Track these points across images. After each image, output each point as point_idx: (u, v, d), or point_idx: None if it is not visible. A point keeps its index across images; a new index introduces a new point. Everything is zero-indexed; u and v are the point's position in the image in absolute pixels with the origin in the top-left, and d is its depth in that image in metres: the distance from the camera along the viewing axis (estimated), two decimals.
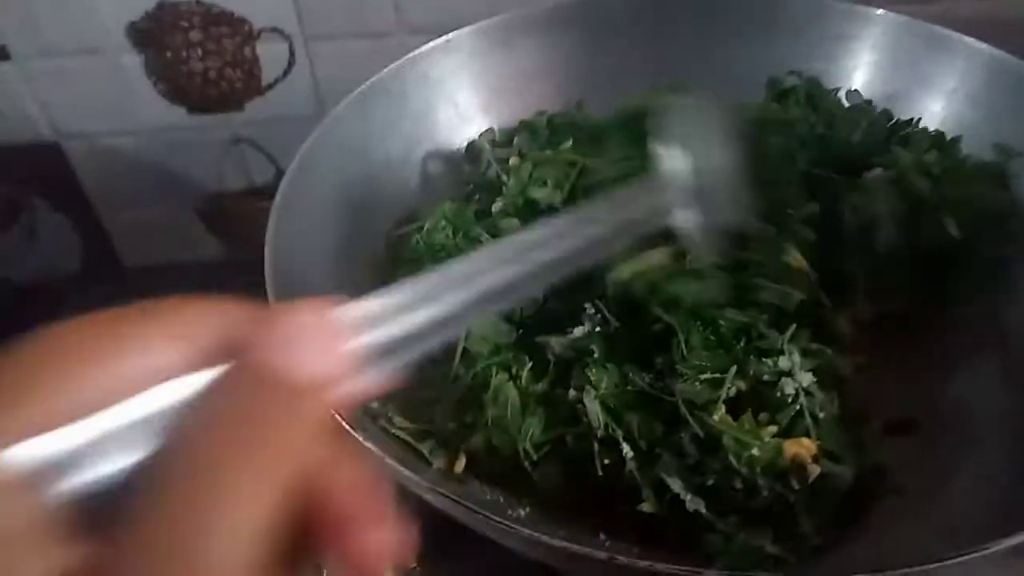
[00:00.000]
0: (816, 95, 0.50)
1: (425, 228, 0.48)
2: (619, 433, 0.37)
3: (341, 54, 0.67)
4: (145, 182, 0.75)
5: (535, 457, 0.38)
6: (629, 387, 0.39)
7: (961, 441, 0.41)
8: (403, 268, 0.47)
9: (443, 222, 0.47)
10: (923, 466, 0.41)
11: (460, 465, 0.41)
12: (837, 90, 0.51)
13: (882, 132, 0.48)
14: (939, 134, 0.48)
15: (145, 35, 0.66)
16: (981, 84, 0.48)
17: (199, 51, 0.68)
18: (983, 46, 0.47)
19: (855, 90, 0.52)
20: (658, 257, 0.40)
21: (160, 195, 0.76)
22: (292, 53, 0.68)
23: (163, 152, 0.73)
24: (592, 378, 0.38)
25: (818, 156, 0.47)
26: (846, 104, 0.50)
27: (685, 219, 0.26)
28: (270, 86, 0.70)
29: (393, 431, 0.40)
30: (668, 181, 0.26)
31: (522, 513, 0.40)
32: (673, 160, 0.26)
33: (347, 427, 0.34)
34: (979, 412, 0.42)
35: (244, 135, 0.73)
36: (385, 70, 0.52)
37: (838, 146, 0.48)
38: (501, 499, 0.41)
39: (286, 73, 0.69)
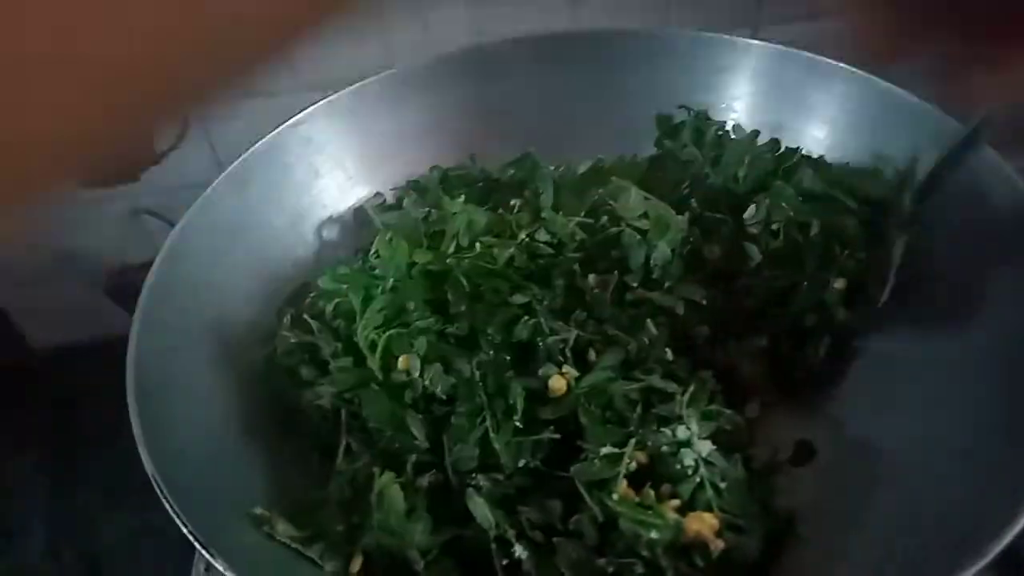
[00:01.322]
0: (703, 130, 0.49)
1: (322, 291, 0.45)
2: (511, 533, 0.35)
3: (235, 115, 0.64)
4: (44, 261, 0.71)
5: (422, 563, 0.36)
6: (519, 476, 0.36)
7: (865, 481, 0.40)
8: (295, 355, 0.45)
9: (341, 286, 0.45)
10: (829, 509, 0.39)
11: (356, 565, 0.38)
12: (723, 124, 0.50)
13: (768, 164, 0.47)
14: (820, 159, 0.47)
15: None
16: (858, 109, 0.47)
17: None
18: (858, 72, 0.47)
19: (737, 125, 0.51)
20: None
21: (61, 273, 0.72)
22: (184, 117, 0.65)
23: (58, 228, 0.70)
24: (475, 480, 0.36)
25: (705, 196, 0.45)
26: (732, 137, 0.49)
27: None
28: (164, 154, 0.67)
29: (278, 538, 0.38)
30: None
31: None
32: None
33: (208, 555, 0.32)
34: (883, 450, 0.41)
35: (144, 205, 0.70)
36: (262, 140, 0.50)
37: (724, 184, 0.47)
38: None
39: (180, 139, 0.66)
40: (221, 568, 0.31)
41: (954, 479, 0.37)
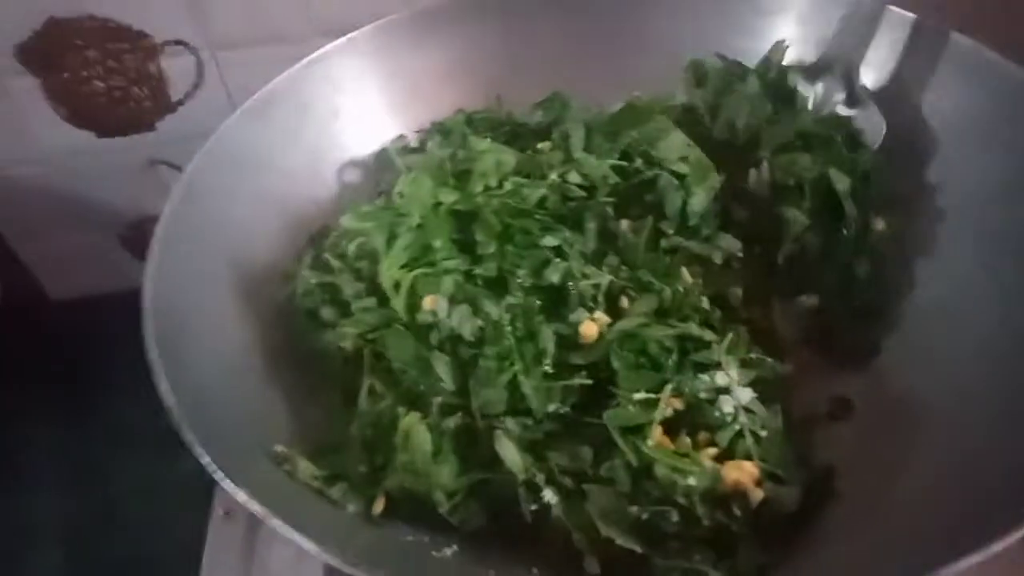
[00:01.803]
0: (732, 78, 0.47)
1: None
2: (540, 478, 0.33)
3: (252, 62, 0.63)
4: (59, 212, 0.70)
5: (448, 506, 0.34)
6: (549, 422, 0.35)
7: (905, 435, 0.38)
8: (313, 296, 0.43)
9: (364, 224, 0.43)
10: (868, 464, 0.38)
11: (379, 506, 0.37)
12: (763, 70, 0.47)
13: (764, 111, 0.45)
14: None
15: (36, 56, 0.61)
16: (909, 51, 0.45)
17: (99, 70, 0.63)
18: (908, 14, 0.44)
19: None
20: None
21: (78, 224, 0.71)
22: (200, 65, 0.63)
23: (75, 179, 0.69)
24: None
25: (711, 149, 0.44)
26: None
27: None
28: (180, 102, 0.65)
29: (298, 476, 0.36)
30: None
31: (448, 553, 0.36)
32: None
33: (231, 487, 0.31)
34: (923, 404, 0.39)
35: (159, 156, 0.68)
36: (281, 75, 0.48)
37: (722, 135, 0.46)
38: (426, 539, 0.37)
39: (196, 87, 0.64)
40: (243, 500, 0.30)
41: (997, 434, 0.35)
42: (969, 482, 0.34)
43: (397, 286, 0.40)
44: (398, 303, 0.40)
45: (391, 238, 0.42)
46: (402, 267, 0.41)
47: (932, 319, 0.42)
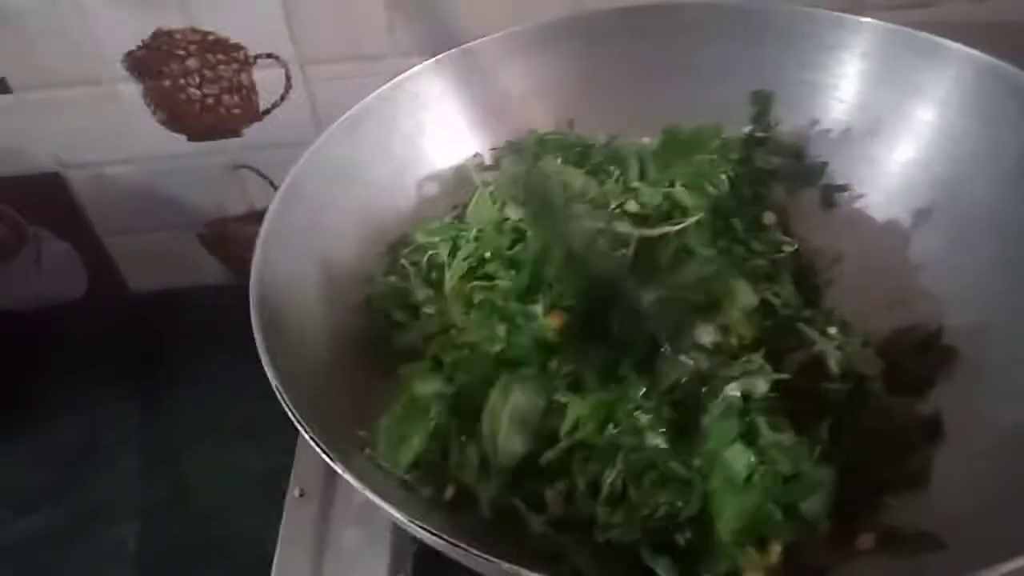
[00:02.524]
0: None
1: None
2: None
3: (337, 77, 0.67)
4: (147, 209, 0.75)
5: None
6: None
7: None
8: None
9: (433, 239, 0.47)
10: None
11: (450, 493, 0.40)
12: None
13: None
14: None
15: (142, 64, 0.66)
16: (972, 91, 0.47)
17: (196, 78, 0.68)
18: (972, 52, 0.46)
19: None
20: None
21: (162, 221, 0.76)
22: (288, 78, 0.68)
23: (164, 179, 0.74)
24: None
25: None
26: None
27: None
28: (267, 111, 0.70)
29: (377, 460, 0.40)
30: None
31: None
32: None
33: (328, 458, 0.34)
34: None
35: (243, 160, 0.73)
36: (373, 94, 0.52)
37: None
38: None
39: (283, 98, 0.69)
40: (342, 472, 0.33)
41: None
42: None
43: (457, 296, 0.43)
44: (456, 314, 0.43)
45: (453, 249, 0.45)
46: (462, 277, 0.44)
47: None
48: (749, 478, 0.34)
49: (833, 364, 0.40)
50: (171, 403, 0.71)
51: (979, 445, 0.39)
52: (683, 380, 0.39)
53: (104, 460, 0.69)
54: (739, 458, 0.34)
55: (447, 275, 0.44)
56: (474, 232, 0.44)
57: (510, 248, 0.44)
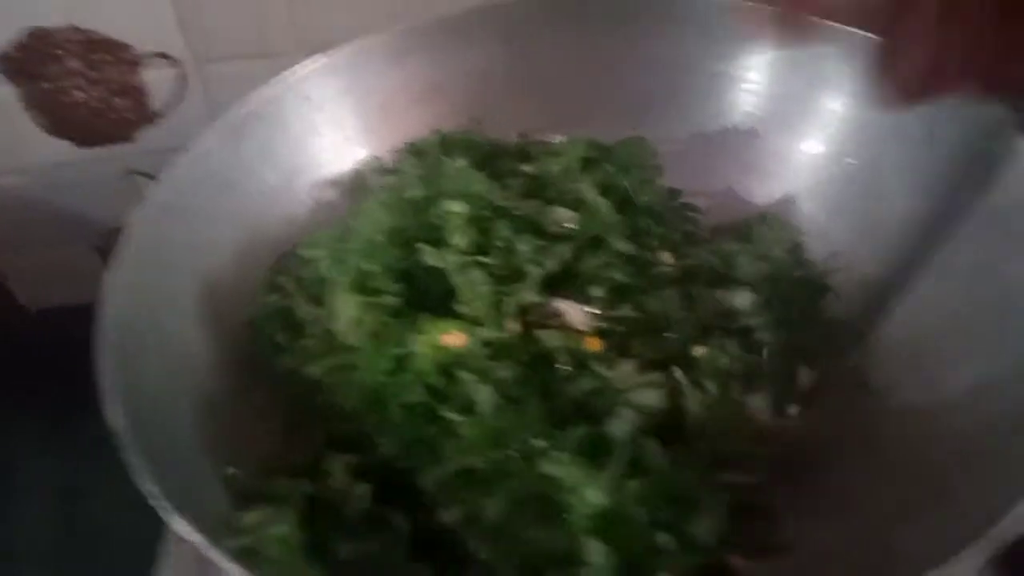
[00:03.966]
0: None
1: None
2: None
3: (235, 76, 0.62)
4: (37, 221, 0.70)
5: None
6: None
7: None
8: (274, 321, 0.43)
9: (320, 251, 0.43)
10: None
11: None
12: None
13: None
14: None
15: (18, 66, 0.61)
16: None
17: (80, 80, 0.63)
18: (873, 38, 0.44)
19: None
20: None
21: (55, 234, 0.71)
22: (183, 78, 0.63)
23: (53, 189, 0.68)
24: None
25: None
26: None
27: None
28: (161, 114, 0.65)
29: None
30: None
31: None
32: None
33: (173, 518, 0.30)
34: None
35: (138, 167, 0.68)
36: (256, 92, 0.48)
37: None
38: None
39: (177, 99, 0.64)
40: (185, 532, 0.29)
41: None
42: None
43: (339, 313, 0.39)
44: (340, 330, 0.39)
45: (336, 263, 0.41)
46: (346, 293, 0.40)
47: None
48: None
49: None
50: (79, 428, 0.67)
51: None
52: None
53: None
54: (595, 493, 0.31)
55: (327, 290, 0.40)
56: (359, 245, 0.40)
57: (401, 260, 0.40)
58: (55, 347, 0.71)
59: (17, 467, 0.66)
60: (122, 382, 0.34)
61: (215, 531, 0.30)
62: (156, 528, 0.55)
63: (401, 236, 0.40)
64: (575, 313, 0.40)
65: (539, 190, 0.46)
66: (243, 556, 0.30)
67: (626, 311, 0.39)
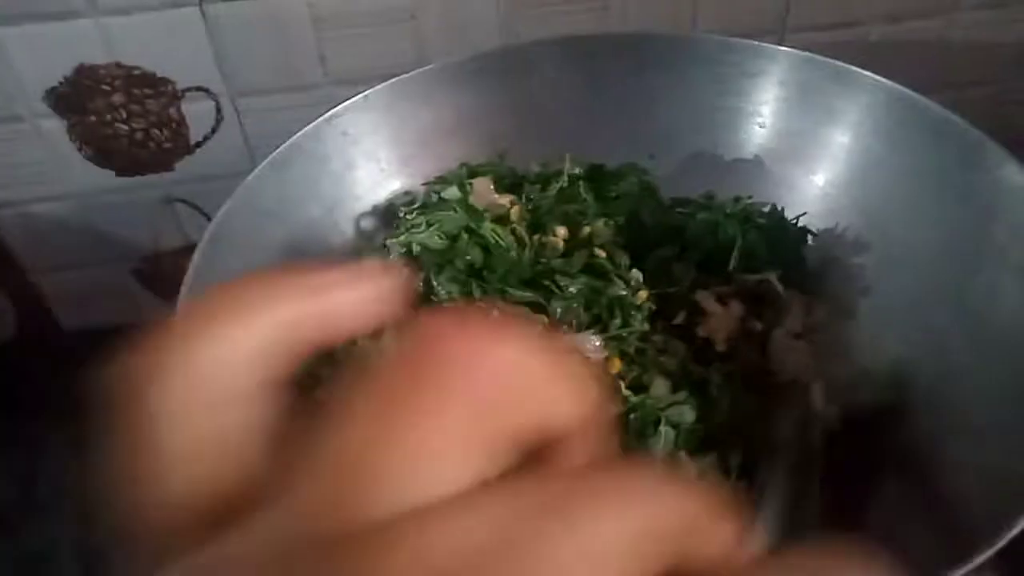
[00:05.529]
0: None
1: None
2: None
3: (269, 108, 0.67)
4: (78, 246, 0.73)
5: None
6: None
7: None
8: None
9: None
10: None
11: None
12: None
13: None
14: None
15: (65, 100, 0.64)
16: (883, 117, 0.49)
17: (123, 113, 0.66)
18: (884, 81, 0.48)
19: None
20: None
21: (95, 258, 0.74)
22: (219, 110, 0.67)
23: (94, 215, 0.72)
24: None
25: None
26: None
27: None
28: (199, 144, 0.69)
29: None
30: None
31: None
32: None
33: None
34: None
35: (176, 194, 0.71)
36: (301, 131, 0.51)
37: None
38: None
39: (214, 131, 0.68)
40: None
41: None
42: None
43: None
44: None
45: None
46: None
47: None
48: None
49: None
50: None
51: None
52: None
53: (38, 503, 0.66)
54: None
55: None
56: None
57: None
58: (87, 366, 0.75)
59: (44, 483, 0.68)
60: None
61: None
62: None
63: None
64: (586, 344, 0.43)
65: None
66: None
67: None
